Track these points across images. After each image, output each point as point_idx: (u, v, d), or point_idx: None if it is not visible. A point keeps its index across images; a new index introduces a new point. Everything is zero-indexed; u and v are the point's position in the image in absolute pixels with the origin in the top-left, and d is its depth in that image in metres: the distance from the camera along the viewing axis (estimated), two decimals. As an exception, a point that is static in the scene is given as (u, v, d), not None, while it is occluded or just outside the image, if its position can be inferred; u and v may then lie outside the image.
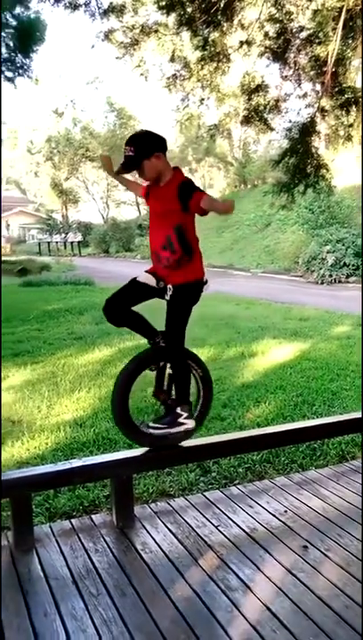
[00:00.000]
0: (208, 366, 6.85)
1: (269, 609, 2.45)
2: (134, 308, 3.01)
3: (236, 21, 5.29)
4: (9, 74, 10.58)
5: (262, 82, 5.52)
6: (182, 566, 2.78)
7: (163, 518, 3.25)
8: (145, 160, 2.78)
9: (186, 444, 3.89)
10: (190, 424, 3.05)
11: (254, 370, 6.68)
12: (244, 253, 25.91)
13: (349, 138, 5.43)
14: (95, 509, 3.54)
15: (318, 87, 5.57)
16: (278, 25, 5.33)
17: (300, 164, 5.45)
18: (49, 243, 38.26)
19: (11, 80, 10.40)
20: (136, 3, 5.49)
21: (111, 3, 5.46)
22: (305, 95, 5.70)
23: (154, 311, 3.14)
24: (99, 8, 5.29)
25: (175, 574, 2.72)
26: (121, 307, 2.95)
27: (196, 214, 2.79)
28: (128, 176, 3.13)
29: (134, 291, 2.94)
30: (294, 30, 5.42)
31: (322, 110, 5.46)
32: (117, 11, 5.40)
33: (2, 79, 10.07)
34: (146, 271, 2.96)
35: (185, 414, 3.01)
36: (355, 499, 3.43)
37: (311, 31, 5.33)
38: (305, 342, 8.20)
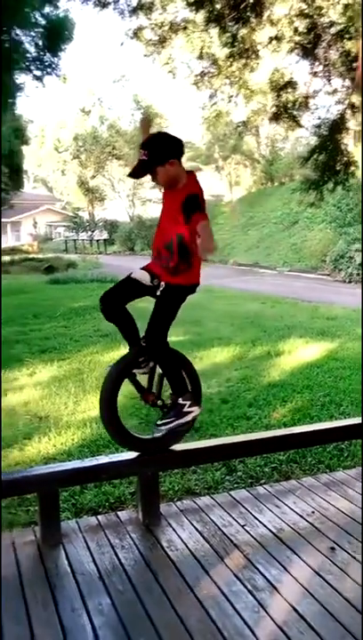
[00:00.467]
0: (234, 365, 6.86)
1: (296, 610, 2.43)
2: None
3: (265, 17, 5.24)
4: (37, 72, 10.67)
5: (292, 78, 5.46)
6: (208, 565, 2.77)
7: (188, 516, 3.24)
8: (159, 167, 2.72)
9: (212, 443, 3.91)
10: (196, 410, 3.02)
11: (280, 369, 6.63)
12: (270, 251, 25.74)
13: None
14: (121, 506, 3.55)
15: (349, 83, 5.49)
16: (308, 20, 5.27)
17: (329, 162, 5.38)
18: (75, 240, 38.51)
19: (39, 79, 10.48)
20: (165, 0, 5.48)
21: (140, 0, 5.47)
22: (335, 91, 5.63)
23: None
24: (128, 6, 5.30)
25: (201, 573, 2.71)
26: (115, 302, 2.93)
27: None
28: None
29: (129, 287, 2.92)
30: (325, 25, 5.35)
31: (352, 107, 5.38)
32: (146, 8, 5.40)
33: (30, 78, 10.17)
34: (142, 268, 2.93)
35: (188, 402, 2.98)
36: (384, 501, 3.38)
37: (342, 26, 5.26)
38: (332, 342, 8.11)
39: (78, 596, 2.56)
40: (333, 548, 2.90)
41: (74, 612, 2.45)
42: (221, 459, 3.85)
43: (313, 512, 3.28)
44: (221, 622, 2.36)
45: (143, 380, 3.11)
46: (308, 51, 5.38)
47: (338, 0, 5.27)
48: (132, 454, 3.16)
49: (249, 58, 5.31)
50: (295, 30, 5.32)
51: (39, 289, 15.47)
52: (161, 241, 2.85)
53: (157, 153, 2.72)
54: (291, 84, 5.54)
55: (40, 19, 9.63)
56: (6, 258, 26.46)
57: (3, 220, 38.35)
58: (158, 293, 2.86)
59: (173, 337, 8.61)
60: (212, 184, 37.68)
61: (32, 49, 9.90)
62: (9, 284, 16.68)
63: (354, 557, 2.82)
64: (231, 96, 5.62)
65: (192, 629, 2.33)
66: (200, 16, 5.33)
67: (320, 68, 5.43)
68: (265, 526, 3.13)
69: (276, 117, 5.60)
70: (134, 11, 5.36)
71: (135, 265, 3.11)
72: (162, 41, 5.62)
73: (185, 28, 5.44)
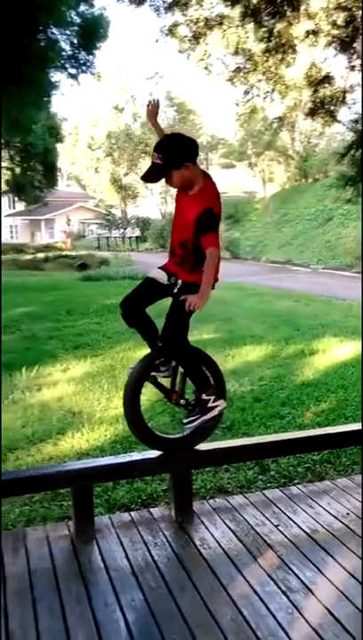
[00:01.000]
0: (267, 363, 6.80)
1: (331, 613, 2.40)
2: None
3: (302, 10, 5.16)
4: (72, 71, 10.72)
5: (329, 73, 5.37)
6: (242, 564, 2.75)
7: (221, 515, 3.23)
8: (174, 170, 2.68)
9: (245, 442, 3.89)
10: (221, 404, 2.99)
11: (314, 368, 6.55)
12: (303, 249, 25.48)
13: None
14: (153, 503, 3.56)
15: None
16: (346, 13, 5.16)
17: (366, 157, 5.28)
18: (108, 238, 38.79)
19: (74, 77, 10.54)
20: (201, -5, 5.45)
21: (175, -4, 5.45)
22: (374, 85, 5.51)
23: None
24: (164, 2, 5.28)
25: (234, 572, 2.70)
26: (135, 306, 2.93)
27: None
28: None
29: (148, 289, 2.91)
30: (364, 18, 5.24)
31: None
32: (182, 4, 5.37)
33: (65, 76, 10.24)
34: (158, 267, 2.91)
35: (212, 397, 2.95)
36: None
37: (382, 19, 5.14)
38: (367, 341, 7.97)
39: (111, 591, 2.57)
40: (368, 551, 2.85)
41: (107, 607, 2.46)
42: (253, 458, 3.82)
43: (348, 514, 3.23)
44: (254, 622, 2.34)
45: (166, 381, 3.11)
46: (346, 44, 5.27)
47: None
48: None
49: (285, 52, 5.24)
50: (334, 24, 5.22)
51: (72, 286, 15.63)
52: (176, 239, 2.83)
53: (172, 157, 2.66)
54: (328, 79, 5.44)
55: (75, 17, 9.68)
56: (40, 255, 26.85)
57: (37, 217, 38.92)
58: (175, 291, 2.84)
59: (205, 334, 8.67)
60: (245, 181, 37.50)
61: (67, 47, 9.95)
62: (42, 281, 16.92)
63: (391, 561, 2.76)
64: (268, 92, 5.55)
65: (225, 628, 2.31)
66: (236, 11, 5.27)
67: (358, 61, 5.32)
68: (299, 527, 3.09)
69: (312, 113, 5.52)
70: (170, 7, 5.34)
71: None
72: (197, 37, 5.59)
73: (221, 24, 5.39)
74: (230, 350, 7.29)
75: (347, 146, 5.51)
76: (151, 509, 3.36)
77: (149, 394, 5.67)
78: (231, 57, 5.75)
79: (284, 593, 2.53)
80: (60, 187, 30.53)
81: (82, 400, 5.51)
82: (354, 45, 5.17)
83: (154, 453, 3.24)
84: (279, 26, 5.22)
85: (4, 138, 18.12)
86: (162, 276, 2.88)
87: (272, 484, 3.77)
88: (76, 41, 10.11)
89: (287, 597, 2.50)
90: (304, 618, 2.37)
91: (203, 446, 3.24)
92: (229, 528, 3.09)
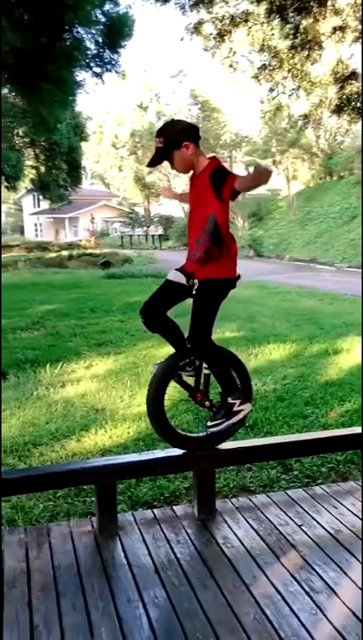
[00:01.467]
0: (290, 362, 6.76)
1: (354, 614, 2.37)
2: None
3: (329, 7, 5.11)
4: (97, 69, 10.77)
5: (355, 69, 5.31)
6: (264, 564, 2.74)
7: (244, 514, 3.22)
8: (175, 150, 2.69)
9: (268, 441, 3.87)
10: (247, 407, 2.95)
11: (338, 367, 6.49)
12: (328, 247, 25.25)
13: None
14: (175, 500, 3.56)
15: None
16: (373, 8, 5.10)
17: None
18: (131, 236, 38.96)
19: (99, 76, 10.58)
20: (226, -7, 5.44)
21: (201, -6, 5.44)
22: None
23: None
24: (189, 0, 5.28)
25: (257, 571, 2.69)
26: (157, 311, 2.90)
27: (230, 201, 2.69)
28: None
29: (168, 292, 2.88)
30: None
31: None
32: (207, 2, 5.36)
33: (90, 75, 10.29)
34: (176, 269, 2.88)
35: (238, 401, 2.92)
36: None
37: None
38: (393, 340, 7.87)
39: (134, 587, 2.58)
40: (393, 553, 2.81)
41: (130, 604, 2.47)
42: (276, 457, 3.81)
43: (373, 515, 3.19)
44: (277, 622, 2.33)
45: (191, 380, 3.10)
46: (373, 40, 5.21)
47: None
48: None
49: (312, 49, 5.19)
50: (361, 19, 5.16)
51: (96, 284, 15.74)
52: (193, 238, 2.80)
53: (172, 137, 2.69)
54: (354, 75, 5.38)
55: (101, 16, 9.72)
56: (64, 253, 27.07)
57: (62, 215, 39.24)
58: (194, 292, 2.81)
59: (228, 333, 8.66)
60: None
61: (92, 46, 9.99)
62: (67, 279, 17.06)
63: None
64: (292, 89, 5.51)
65: (248, 627, 2.31)
66: (262, 8, 5.25)
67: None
68: (323, 527, 3.07)
69: (338, 110, 5.46)
70: (196, 4, 5.34)
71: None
72: (222, 35, 5.58)
73: (246, 21, 5.37)
74: (254, 349, 7.26)
75: (373, 143, 5.44)
76: (174, 507, 3.36)
77: (172, 392, 5.69)
78: (256, 54, 5.73)
79: (307, 593, 2.51)
80: (84, 185, 30.72)
81: (105, 397, 5.54)
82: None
83: (177, 451, 3.24)
84: (305, 22, 5.17)
85: (30, 136, 18.31)
86: (180, 278, 2.84)
87: (295, 484, 3.75)
88: (101, 40, 10.16)
89: (311, 598, 2.48)
90: (328, 619, 2.35)
91: (225, 445, 3.23)
92: (252, 527, 3.07)
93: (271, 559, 2.78)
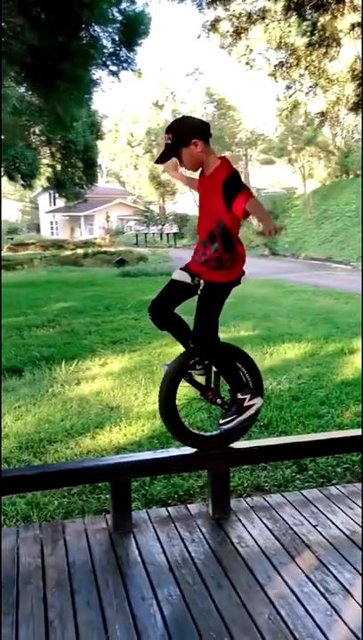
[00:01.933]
0: (305, 362, 6.72)
1: (370, 616, 2.35)
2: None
3: (347, 3, 5.06)
4: (113, 68, 10.78)
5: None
6: (279, 564, 2.73)
7: (259, 513, 3.21)
8: (183, 147, 2.66)
9: (283, 440, 3.85)
10: (258, 402, 2.94)
11: (354, 367, 6.44)
12: (344, 246, 25.08)
13: None
14: (189, 499, 3.56)
15: None
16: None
17: None
18: (146, 234, 39.01)
19: (115, 74, 10.60)
20: (244, -10, 5.41)
21: (219, -9, 5.42)
22: None
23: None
24: (206, -3, 5.27)
25: (272, 571, 2.68)
26: (164, 309, 2.90)
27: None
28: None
29: (174, 291, 2.88)
30: None
31: None
32: (224, -1, 5.35)
33: (106, 73, 10.31)
34: (181, 269, 2.88)
35: (247, 396, 2.91)
36: None
37: None
38: None
39: (148, 585, 2.58)
40: None
41: (144, 601, 2.47)
42: (291, 457, 3.79)
43: (389, 516, 3.16)
44: (291, 623, 2.32)
45: (201, 379, 3.10)
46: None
47: None
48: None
49: (329, 46, 5.15)
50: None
51: (111, 281, 15.79)
52: (200, 239, 2.79)
53: (180, 133, 2.66)
54: (373, 73, 5.32)
55: (117, 14, 9.72)
56: (80, 251, 27.19)
57: (77, 213, 39.42)
58: (199, 292, 2.80)
59: (243, 332, 8.64)
60: (284, 177, 37.11)
61: (109, 44, 10.00)
62: (82, 277, 17.13)
63: None
64: (310, 87, 5.47)
65: (262, 627, 2.30)
66: (279, 4, 5.21)
67: None
68: (338, 528, 3.05)
69: (356, 107, 5.41)
70: (212, 2, 5.31)
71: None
72: (239, 32, 5.55)
73: (263, 18, 5.34)
74: (269, 348, 7.23)
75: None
76: (188, 505, 3.36)
77: (186, 390, 5.69)
78: (273, 52, 5.70)
79: (322, 594, 2.49)
80: (99, 183, 30.80)
81: (120, 395, 5.56)
82: None
83: (191, 450, 3.23)
84: (323, 19, 5.13)
85: (46, 134, 18.38)
86: (185, 277, 2.84)
87: (310, 484, 3.73)
88: (117, 38, 10.17)
89: (326, 599, 2.46)
90: (343, 620, 2.33)
91: (240, 444, 3.23)
92: (267, 527, 3.06)
93: (286, 559, 2.77)
